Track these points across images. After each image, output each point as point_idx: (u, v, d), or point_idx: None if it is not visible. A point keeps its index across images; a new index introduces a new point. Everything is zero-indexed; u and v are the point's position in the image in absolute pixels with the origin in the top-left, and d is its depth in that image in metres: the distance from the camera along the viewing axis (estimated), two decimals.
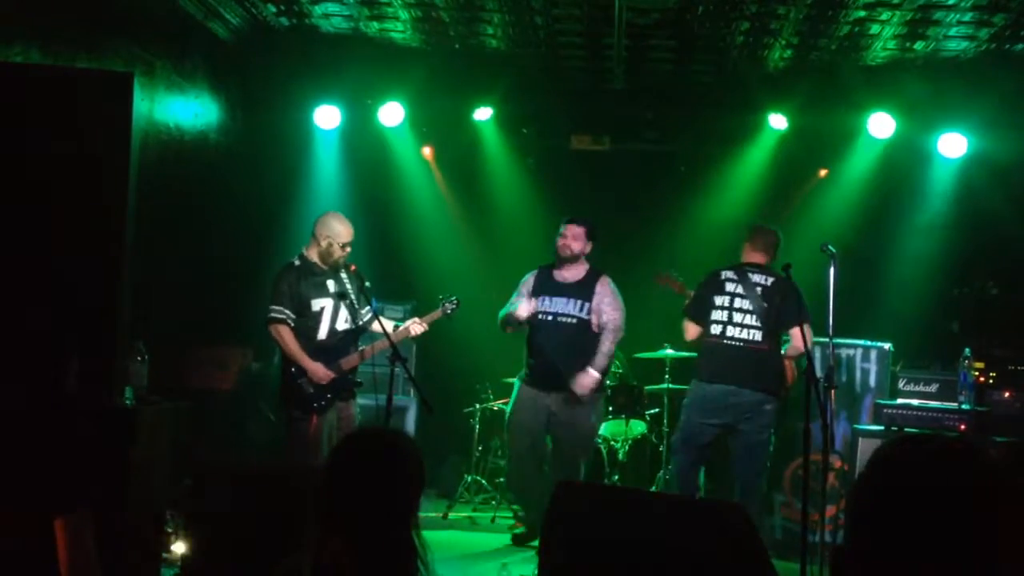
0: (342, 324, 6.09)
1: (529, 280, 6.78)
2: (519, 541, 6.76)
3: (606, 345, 6.54)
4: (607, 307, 6.57)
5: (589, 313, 6.54)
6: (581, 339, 6.51)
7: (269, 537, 3.20)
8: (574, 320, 6.54)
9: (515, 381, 6.81)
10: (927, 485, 1.50)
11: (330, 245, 6.06)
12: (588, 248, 6.66)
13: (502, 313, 6.70)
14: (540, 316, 6.55)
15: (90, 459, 2.83)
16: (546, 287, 6.66)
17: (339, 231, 6.08)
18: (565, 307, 6.55)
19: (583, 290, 6.59)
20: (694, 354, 7.97)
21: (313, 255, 6.11)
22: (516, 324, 6.61)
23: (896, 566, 1.49)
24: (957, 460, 1.53)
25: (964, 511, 1.47)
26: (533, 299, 6.59)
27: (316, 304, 6.00)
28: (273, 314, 5.94)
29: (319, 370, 5.92)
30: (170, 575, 4.96)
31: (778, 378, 6.17)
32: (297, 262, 6.12)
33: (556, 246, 6.65)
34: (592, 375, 6.48)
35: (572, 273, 6.64)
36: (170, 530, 5.25)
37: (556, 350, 6.49)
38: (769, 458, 6.22)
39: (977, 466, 1.52)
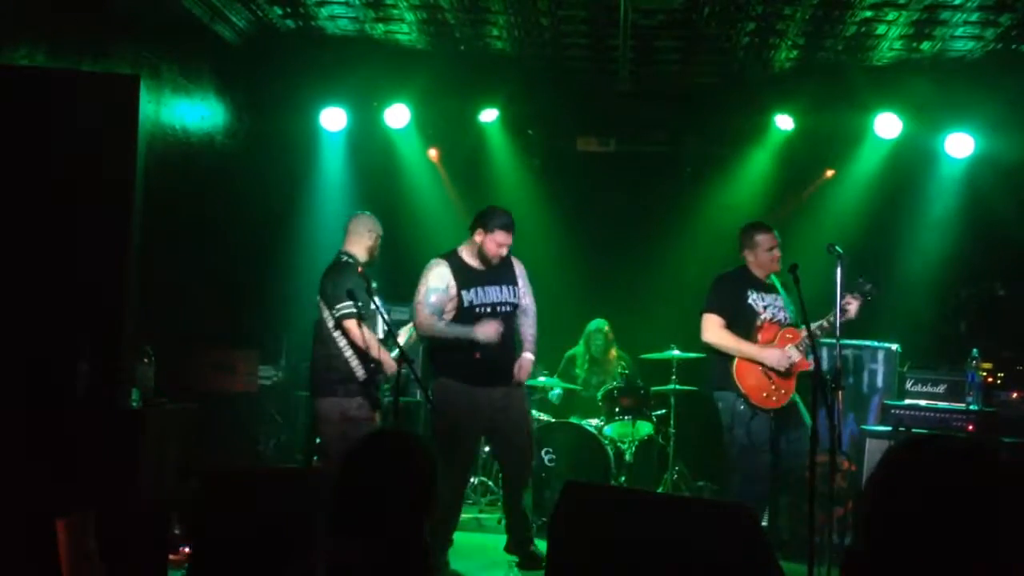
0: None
1: (444, 274, 6.08)
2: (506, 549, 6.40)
3: (534, 329, 6.25)
4: (528, 288, 6.28)
5: (518, 296, 6.17)
6: (514, 326, 6.21)
7: (278, 539, 3.20)
8: (510, 307, 6.14)
9: (440, 381, 6.13)
10: (939, 487, 1.50)
11: (377, 239, 6.29)
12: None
13: (441, 328, 6.02)
14: (477, 309, 6.03)
15: (92, 460, 2.83)
16: (470, 279, 6.09)
17: (379, 227, 6.36)
18: (500, 295, 6.11)
19: (507, 273, 6.17)
20: (702, 354, 7.97)
21: (361, 252, 6.22)
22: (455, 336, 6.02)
23: (907, 568, 1.48)
24: (969, 462, 1.52)
25: (975, 513, 1.46)
26: (492, 320, 6.00)
27: (371, 303, 5.97)
28: (346, 310, 5.93)
29: (391, 362, 5.98)
30: None
31: (718, 377, 6.14)
32: (349, 260, 6.18)
33: (487, 251, 6.04)
34: (530, 359, 6.22)
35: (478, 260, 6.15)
36: (177, 532, 5.25)
37: (503, 342, 6.03)
38: (730, 456, 6.12)
39: (988, 468, 1.51)
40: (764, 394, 5.98)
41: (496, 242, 6.05)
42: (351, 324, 5.95)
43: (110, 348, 4.37)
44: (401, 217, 8.99)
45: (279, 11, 7.63)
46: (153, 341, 5.36)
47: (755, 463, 5.97)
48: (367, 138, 8.97)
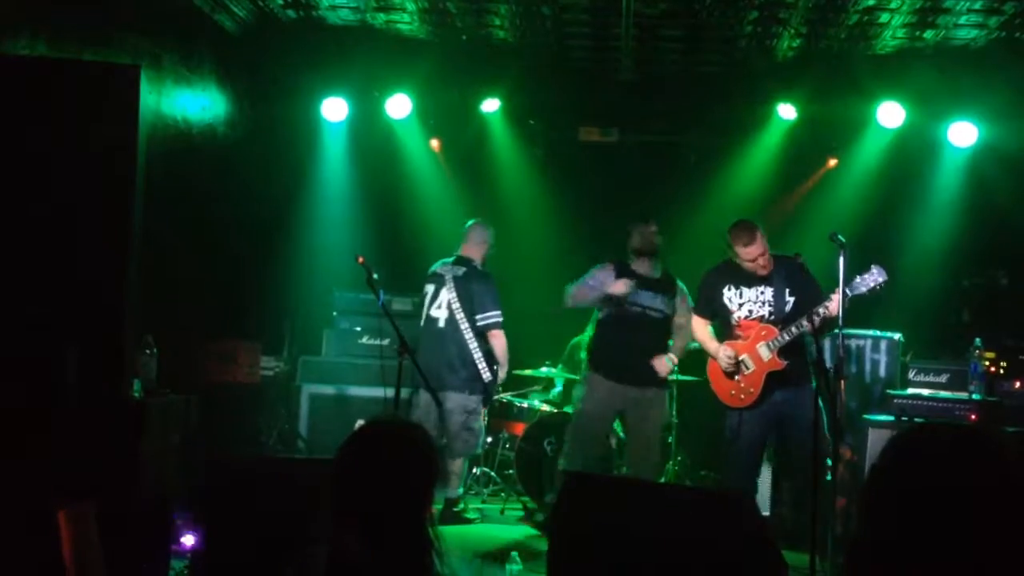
0: None
1: (608, 268, 6.66)
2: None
3: (682, 341, 6.66)
4: (686, 308, 6.60)
5: (673, 310, 6.62)
6: (664, 335, 6.62)
7: (280, 531, 3.20)
8: (660, 315, 6.58)
9: (583, 371, 6.79)
10: (943, 475, 1.49)
11: (489, 249, 6.96)
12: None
13: (573, 285, 6.65)
14: (628, 306, 6.53)
15: (94, 452, 2.83)
16: (633, 279, 6.59)
17: (493, 238, 7.09)
18: (652, 301, 6.57)
19: (668, 286, 6.67)
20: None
21: (479, 259, 6.92)
22: (597, 301, 6.63)
23: (911, 557, 1.47)
24: (974, 450, 1.51)
25: (980, 501, 1.46)
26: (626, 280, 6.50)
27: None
28: (499, 319, 6.78)
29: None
30: (180, 567, 4.97)
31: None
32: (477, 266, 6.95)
33: (638, 244, 6.64)
34: (672, 357, 6.62)
35: (649, 269, 6.66)
36: (179, 522, 5.26)
37: (642, 343, 6.54)
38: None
39: (994, 456, 1.50)
40: (731, 392, 5.96)
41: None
42: (498, 333, 6.69)
43: (111, 339, 4.36)
44: (403, 207, 8.99)
45: (280, 1, 7.61)
46: (155, 332, 5.36)
47: (732, 456, 5.98)
48: (368, 128, 8.95)
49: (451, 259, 6.98)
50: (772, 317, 5.92)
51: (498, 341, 6.64)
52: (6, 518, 2.64)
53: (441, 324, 6.45)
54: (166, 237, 6.40)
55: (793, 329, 5.72)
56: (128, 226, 4.49)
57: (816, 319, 5.55)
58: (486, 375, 6.64)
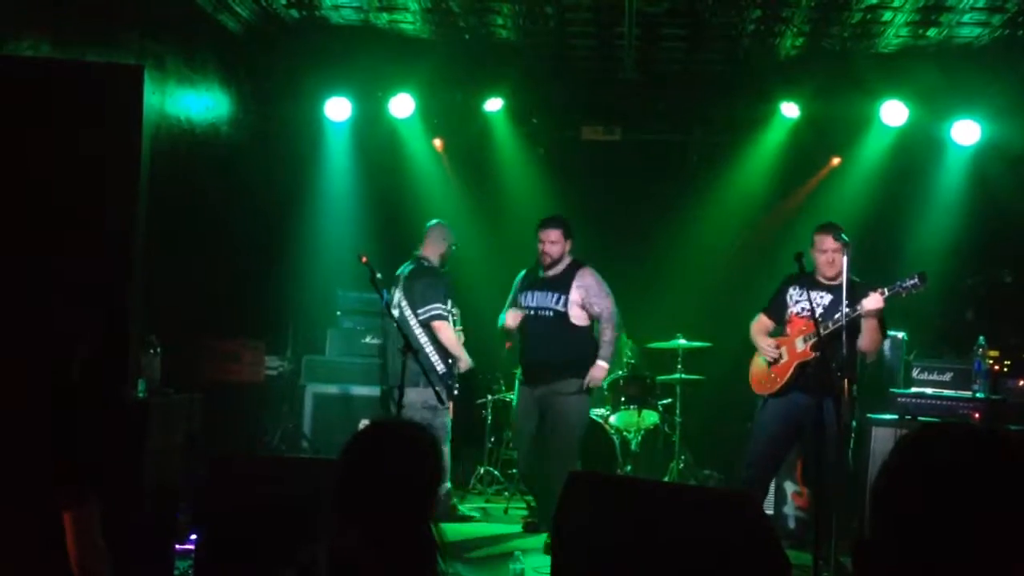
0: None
1: (519, 281, 6.86)
2: (528, 529, 6.88)
3: (608, 334, 6.56)
4: (595, 297, 6.56)
5: (566, 305, 6.54)
6: (558, 332, 6.54)
7: (283, 530, 3.21)
8: (550, 313, 6.56)
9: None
10: (952, 475, 1.48)
11: (450, 248, 6.96)
12: (568, 247, 6.66)
13: (500, 322, 6.86)
14: (524, 312, 6.65)
15: (99, 452, 2.84)
16: (528, 283, 6.75)
17: (452, 237, 7.03)
18: (543, 300, 6.60)
19: (560, 283, 6.61)
20: (707, 343, 7.94)
21: (435, 257, 6.89)
22: (511, 333, 6.80)
23: (918, 557, 1.47)
24: (983, 450, 1.50)
25: (990, 501, 1.45)
26: (518, 308, 6.68)
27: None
28: (441, 311, 6.70)
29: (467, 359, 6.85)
30: (184, 567, 4.98)
31: None
32: (428, 264, 6.89)
33: (538, 255, 6.67)
34: (602, 367, 6.54)
35: (554, 270, 6.67)
36: (183, 522, 5.26)
37: (537, 344, 6.58)
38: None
39: (1004, 456, 1.49)
40: (760, 381, 6.14)
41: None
42: (441, 324, 6.65)
43: (116, 339, 4.37)
44: (406, 207, 8.99)
45: (283, 1, 7.61)
46: (159, 332, 5.37)
47: (751, 444, 6.11)
48: (372, 128, 8.96)
49: (409, 260, 7.01)
50: (819, 318, 5.94)
51: (443, 333, 6.65)
52: (13, 517, 2.65)
53: (396, 323, 6.50)
54: (170, 237, 6.41)
55: (830, 324, 5.73)
56: (132, 226, 4.50)
57: (851, 314, 5.59)
58: (440, 367, 6.64)
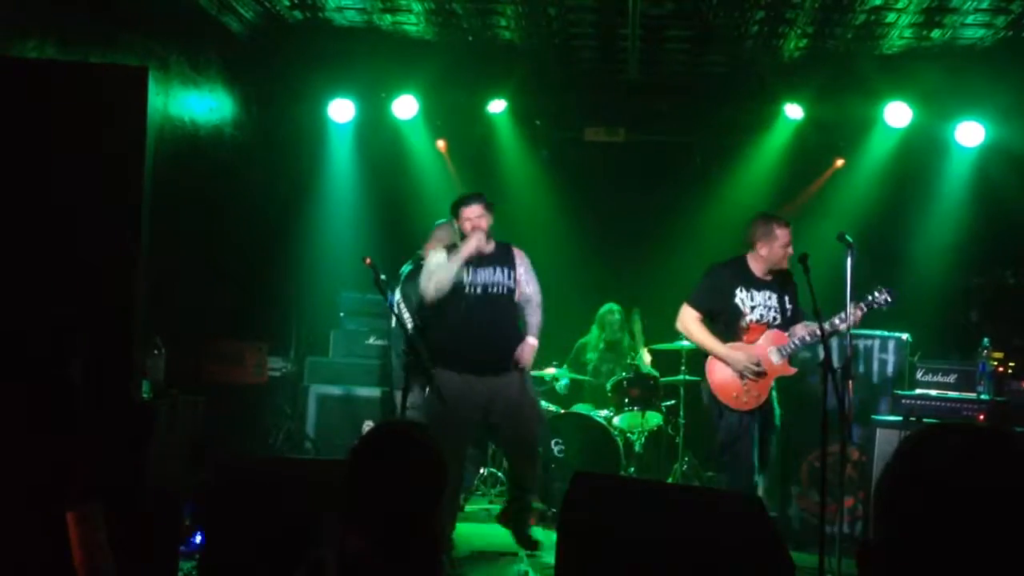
0: None
1: (440, 253, 6.08)
2: (501, 520, 6.40)
3: (538, 317, 6.13)
4: (531, 278, 6.16)
5: (516, 281, 6.03)
6: (513, 311, 6.06)
7: (288, 532, 3.21)
8: (503, 290, 5.97)
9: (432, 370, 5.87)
10: (958, 476, 1.48)
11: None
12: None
13: (430, 270, 5.95)
14: (467, 289, 5.89)
15: (102, 453, 2.83)
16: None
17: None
18: (494, 276, 5.96)
19: (503, 258, 6.05)
20: None
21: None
22: (451, 282, 5.88)
23: (924, 558, 1.46)
24: (989, 450, 1.50)
25: (995, 502, 1.45)
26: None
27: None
28: None
29: None
30: (187, 568, 4.98)
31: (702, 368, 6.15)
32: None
33: (464, 230, 6.00)
34: (532, 343, 6.09)
35: (489, 246, 6.05)
36: (187, 523, 5.27)
37: (492, 326, 5.93)
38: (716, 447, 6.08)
39: (1010, 457, 1.49)
40: (734, 395, 5.82)
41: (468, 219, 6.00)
42: None
43: (120, 340, 4.37)
44: (409, 208, 8.99)
45: (286, 2, 7.62)
46: (162, 333, 5.36)
47: (735, 456, 5.83)
48: (375, 129, 8.97)
49: (411, 259, 6.93)
50: (778, 323, 5.92)
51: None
52: (15, 519, 2.65)
53: (393, 324, 6.38)
54: (174, 238, 6.41)
55: (807, 338, 5.73)
56: (136, 227, 4.50)
57: (838, 324, 5.58)
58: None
